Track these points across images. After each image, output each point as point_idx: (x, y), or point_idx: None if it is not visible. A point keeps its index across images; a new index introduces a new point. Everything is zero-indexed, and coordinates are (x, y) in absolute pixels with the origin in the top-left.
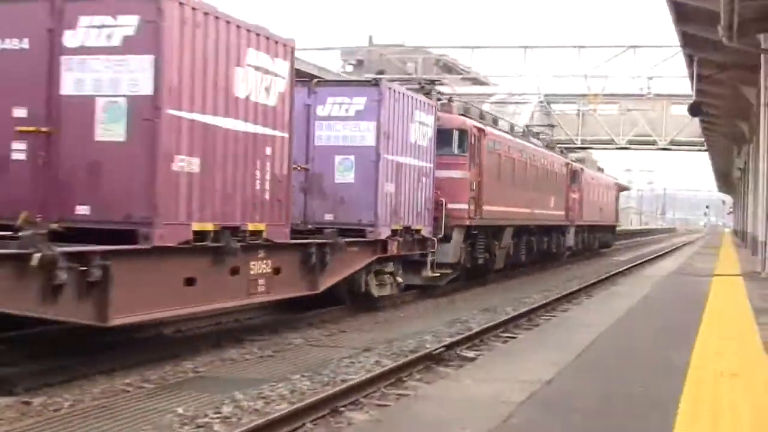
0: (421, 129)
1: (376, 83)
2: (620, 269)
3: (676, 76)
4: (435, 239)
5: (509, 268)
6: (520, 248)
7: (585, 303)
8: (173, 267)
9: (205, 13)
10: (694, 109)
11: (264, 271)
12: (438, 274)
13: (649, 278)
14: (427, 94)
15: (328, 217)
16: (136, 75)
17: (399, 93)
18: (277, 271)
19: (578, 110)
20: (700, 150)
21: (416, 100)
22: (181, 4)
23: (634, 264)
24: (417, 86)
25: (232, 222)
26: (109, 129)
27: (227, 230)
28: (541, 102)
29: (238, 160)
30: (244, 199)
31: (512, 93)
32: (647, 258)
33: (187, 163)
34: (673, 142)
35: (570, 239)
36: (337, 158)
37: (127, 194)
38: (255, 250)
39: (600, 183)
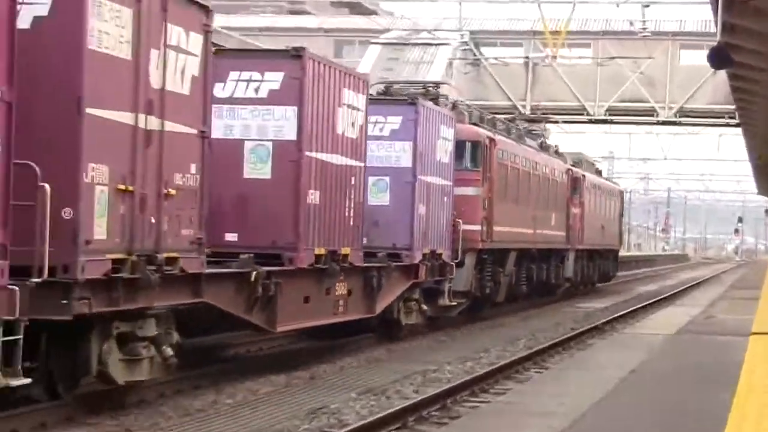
0: (444, 145)
1: (413, 102)
2: (597, 323)
3: (687, 1)
4: (453, 264)
5: (509, 301)
6: (521, 277)
7: (536, 379)
8: (301, 286)
9: (324, 65)
10: (719, 57)
11: (342, 292)
12: (455, 303)
13: (645, 339)
14: (434, 99)
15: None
16: (281, 123)
17: (430, 110)
18: (350, 292)
19: (526, 58)
20: (727, 125)
21: (441, 114)
22: (313, 61)
23: (618, 314)
24: (421, 89)
25: (333, 247)
26: (257, 168)
27: (329, 254)
28: (465, 44)
29: (337, 191)
30: (339, 225)
31: (417, 29)
32: (640, 304)
33: (313, 196)
34: (683, 112)
35: (569, 267)
36: (371, 179)
37: (272, 223)
38: (339, 272)
39: (602, 192)
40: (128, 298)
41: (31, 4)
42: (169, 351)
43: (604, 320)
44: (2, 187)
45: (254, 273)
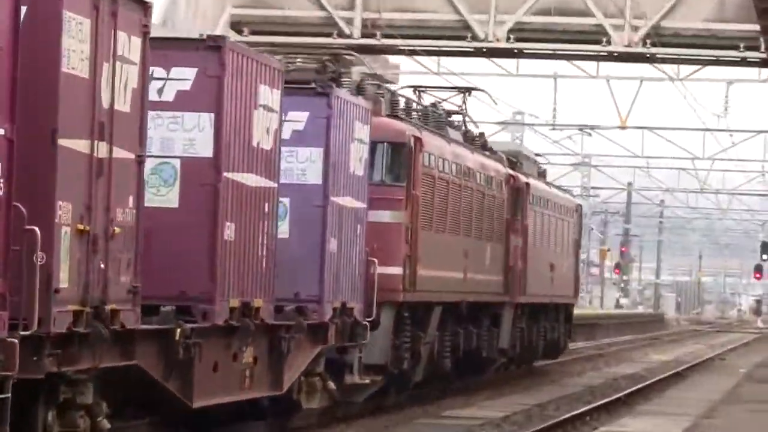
0: (359, 150)
1: (324, 91)
2: None
3: None
4: (367, 324)
5: (426, 381)
6: (444, 345)
7: None
8: (213, 349)
9: (244, 56)
10: None
11: (249, 359)
12: (367, 381)
13: None
14: (335, 79)
15: None
16: (193, 134)
17: (345, 102)
18: (255, 360)
19: None
20: (744, 63)
21: (357, 106)
22: (233, 52)
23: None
24: (314, 65)
25: (246, 298)
26: (159, 194)
27: (242, 307)
28: None
29: (250, 222)
30: (252, 269)
31: None
32: (572, 412)
33: (230, 231)
34: (658, 38)
35: (505, 333)
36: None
37: (180, 267)
38: (251, 332)
39: (552, 209)
40: (78, 356)
41: None
42: (107, 423)
43: None
44: (4, 231)
45: (179, 330)
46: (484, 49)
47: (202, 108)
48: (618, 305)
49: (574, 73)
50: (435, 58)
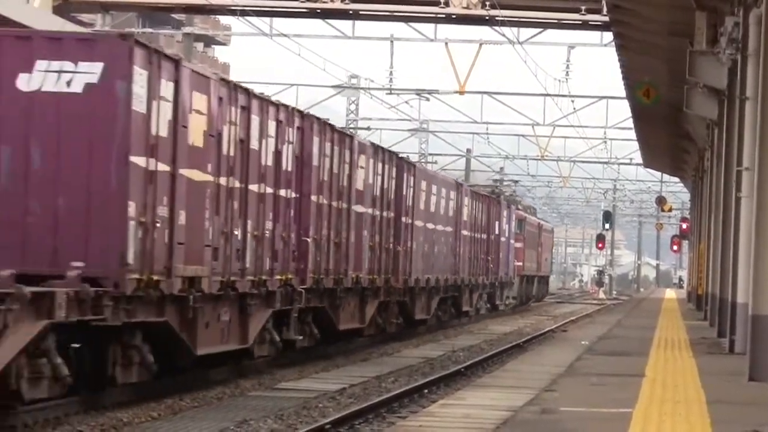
0: (513, 224)
1: (510, 206)
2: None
3: None
4: (514, 282)
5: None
6: (524, 291)
7: None
8: None
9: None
10: None
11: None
12: (510, 302)
13: None
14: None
15: None
16: None
17: (512, 207)
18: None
19: None
20: (584, 26)
21: (511, 206)
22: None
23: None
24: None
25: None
26: None
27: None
28: None
29: None
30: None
31: None
32: (411, 384)
33: None
34: (496, 2)
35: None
36: None
37: None
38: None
39: (545, 230)
40: None
41: None
42: None
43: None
44: None
45: None
46: (319, 10)
47: None
48: None
49: (411, 36)
50: (267, 19)
